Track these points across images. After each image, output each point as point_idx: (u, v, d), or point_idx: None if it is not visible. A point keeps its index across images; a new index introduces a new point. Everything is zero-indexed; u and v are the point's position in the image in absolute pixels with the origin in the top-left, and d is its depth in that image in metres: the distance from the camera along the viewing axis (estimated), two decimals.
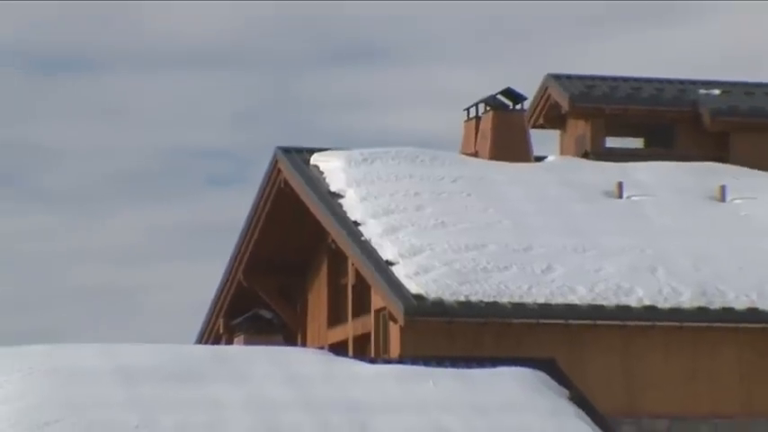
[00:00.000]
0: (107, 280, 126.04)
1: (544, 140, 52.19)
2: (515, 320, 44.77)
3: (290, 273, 51.96)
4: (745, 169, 50.86)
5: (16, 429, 38.79)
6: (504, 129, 50.79)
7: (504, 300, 44.77)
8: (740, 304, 45.87)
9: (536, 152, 51.50)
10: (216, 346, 49.29)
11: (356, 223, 46.90)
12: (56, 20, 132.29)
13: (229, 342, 49.19)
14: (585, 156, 51.34)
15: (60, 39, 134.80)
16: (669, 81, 52.69)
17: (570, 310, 45.02)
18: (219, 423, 40.14)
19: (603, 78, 52.58)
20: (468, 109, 51.79)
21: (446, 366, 43.08)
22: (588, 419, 41.96)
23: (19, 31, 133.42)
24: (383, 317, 46.22)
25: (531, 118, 52.00)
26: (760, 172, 50.90)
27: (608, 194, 49.23)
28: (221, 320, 52.17)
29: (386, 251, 45.74)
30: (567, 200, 48.88)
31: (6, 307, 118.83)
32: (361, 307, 47.97)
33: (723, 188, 49.75)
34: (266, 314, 49.80)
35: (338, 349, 47.38)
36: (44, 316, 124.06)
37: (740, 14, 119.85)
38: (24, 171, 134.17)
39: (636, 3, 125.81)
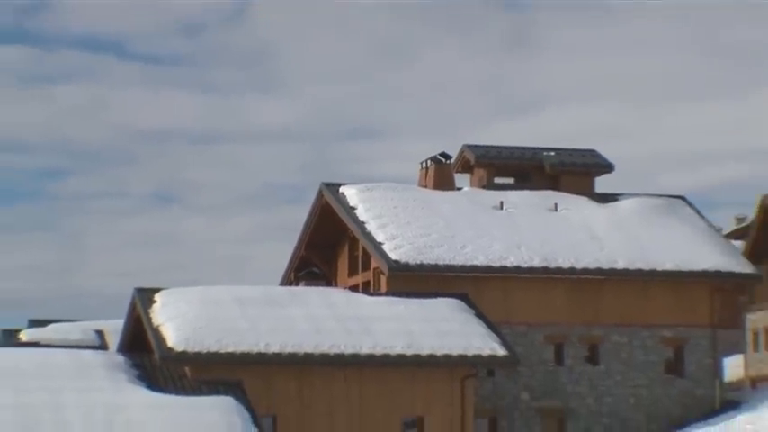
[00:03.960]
0: (231, 253, 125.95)
1: (461, 180, 52.27)
2: (447, 274, 44.94)
3: (328, 249, 51.52)
4: (568, 194, 50.40)
5: (182, 332, 39.11)
6: (440, 173, 50.58)
7: (441, 263, 44.99)
8: (565, 265, 46.04)
9: (457, 185, 51.21)
10: (290, 287, 49.15)
11: (363, 223, 46.90)
12: (203, 112, 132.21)
13: (297, 285, 49.29)
14: (483, 188, 50.90)
15: (203, 124, 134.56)
16: (528, 147, 52.33)
17: (475, 269, 45.24)
18: (292, 327, 40.28)
19: (493, 147, 51.91)
20: (421, 162, 51.50)
21: (410, 297, 43.28)
22: (484, 325, 42.18)
23: (182, 117, 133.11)
24: (377, 272, 46.49)
25: (454, 167, 51.75)
26: (576, 196, 50.43)
27: (495, 208, 48.81)
28: (292, 273, 51.74)
29: (379, 237, 45.87)
30: (474, 211, 48.42)
31: (176, 268, 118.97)
32: (366, 266, 48.03)
33: (556, 204, 49.52)
34: (316, 270, 50.21)
35: (353, 289, 47.41)
36: (196, 272, 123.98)
37: (564, 111, 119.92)
38: (186, 195, 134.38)
39: (508, 103, 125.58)
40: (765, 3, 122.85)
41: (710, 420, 44.09)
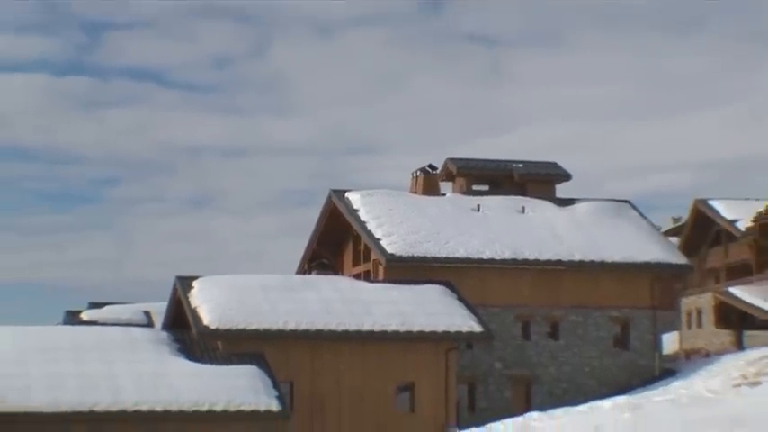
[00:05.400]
0: (254, 248, 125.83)
1: (445, 187, 52.16)
2: (433, 264, 44.81)
3: (335, 244, 51.22)
4: (533, 199, 50.31)
5: (215, 312, 38.89)
6: (428, 182, 50.51)
7: (428, 255, 44.92)
8: (531, 257, 45.95)
9: (441, 192, 51.00)
10: (303, 276, 49.13)
11: (364, 222, 46.81)
12: (230, 131, 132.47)
13: (309, 273, 49.21)
14: (463, 194, 50.81)
15: (230, 141, 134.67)
16: (500, 160, 52.32)
17: (456, 260, 45.12)
18: (305, 308, 40.11)
19: (472, 159, 51.93)
20: (412, 172, 51.38)
21: (403, 284, 43.13)
22: (464, 307, 42.06)
23: (213, 135, 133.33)
24: (376, 263, 46.33)
25: (439, 177, 51.51)
26: (540, 200, 50.24)
27: (473, 210, 48.66)
28: (306, 264, 51.66)
29: (377, 234, 45.77)
30: (456, 213, 48.30)
31: (209, 260, 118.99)
32: (366, 258, 47.85)
33: (524, 207, 49.43)
34: (326, 262, 50.16)
35: (356, 277, 47.21)
36: (226, 263, 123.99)
37: (529, 130, 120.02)
38: (216, 199, 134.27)
39: (484, 123, 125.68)
40: (697, 38, 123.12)
41: (651, 386, 44.15)
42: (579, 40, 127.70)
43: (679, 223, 65.29)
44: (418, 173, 51.03)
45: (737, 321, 51.42)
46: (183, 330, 40.00)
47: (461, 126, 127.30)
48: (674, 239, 59.89)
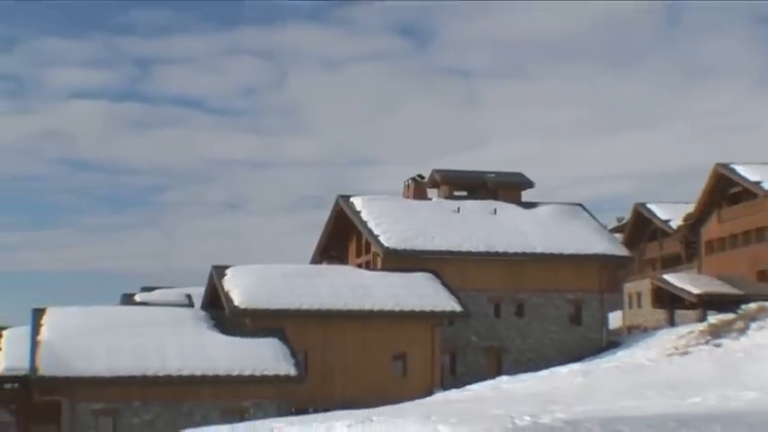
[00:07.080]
0: (276, 242, 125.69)
1: (431, 193, 51.87)
2: (422, 256, 44.49)
3: (342, 239, 50.60)
4: (503, 203, 49.82)
5: (245, 295, 38.74)
6: (418, 189, 50.16)
7: (418, 249, 44.62)
8: (501, 250, 45.67)
9: (428, 197, 50.55)
10: (316, 265, 48.96)
11: (366, 222, 46.52)
12: (256, 147, 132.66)
13: (321, 263, 49.07)
14: (446, 198, 50.35)
15: (256, 155, 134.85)
16: (476, 171, 51.84)
17: (441, 253, 44.78)
18: (317, 292, 39.95)
19: (453, 170, 51.59)
20: (404, 181, 51.01)
21: (398, 272, 42.94)
22: (447, 290, 41.95)
23: (243, 150, 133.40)
24: (375, 255, 46.04)
25: (427, 184, 50.93)
26: (509, 204, 49.77)
27: (455, 212, 48.29)
28: (318, 256, 51.23)
29: (376, 231, 45.49)
30: (440, 214, 47.89)
31: (239, 252, 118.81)
32: (367, 251, 47.49)
33: (495, 209, 48.98)
34: (335, 254, 49.89)
35: (359, 266, 46.74)
36: (253, 255, 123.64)
37: (500, 146, 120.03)
38: (245, 203, 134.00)
39: (463, 140, 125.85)
40: (639, 70, 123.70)
41: (599, 355, 44.14)
42: (540, 71, 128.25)
43: (622, 222, 65.35)
44: (409, 181, 50.79)
45: (670, 302, 51.47)
46: (218, 310, 40.01)
47: (444, 142, 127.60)
48: (618, 236, 59.93)
